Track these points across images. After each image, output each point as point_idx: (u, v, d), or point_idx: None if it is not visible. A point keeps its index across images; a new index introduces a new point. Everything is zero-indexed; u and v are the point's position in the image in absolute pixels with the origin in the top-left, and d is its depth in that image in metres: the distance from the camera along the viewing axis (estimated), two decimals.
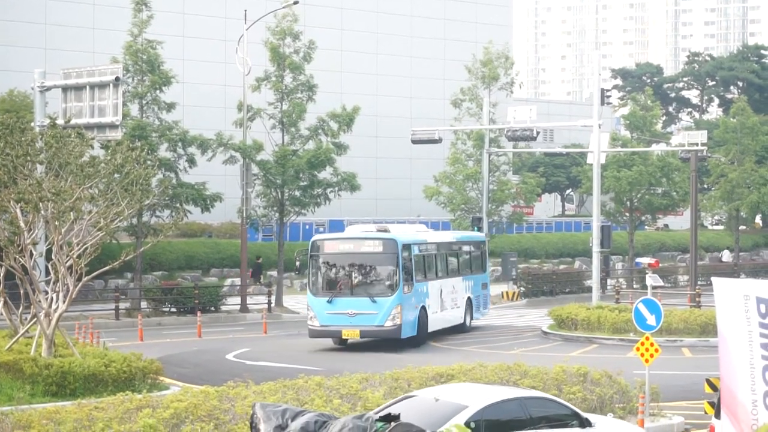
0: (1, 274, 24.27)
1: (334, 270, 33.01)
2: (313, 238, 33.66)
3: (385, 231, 33.95)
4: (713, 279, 13.71)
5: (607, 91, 44.71)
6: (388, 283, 32.42)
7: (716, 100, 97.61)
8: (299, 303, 49.55)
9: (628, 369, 24.32)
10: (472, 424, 14.40)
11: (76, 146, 24.44)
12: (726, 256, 70.66)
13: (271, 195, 46.53)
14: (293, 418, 13.08)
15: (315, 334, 32.75)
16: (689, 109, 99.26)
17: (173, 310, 43.13)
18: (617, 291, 43.56)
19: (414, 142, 47.68)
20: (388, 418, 12.41)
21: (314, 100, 46.75)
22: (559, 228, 75.92)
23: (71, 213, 23.51)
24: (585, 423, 15.85)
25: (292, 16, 46.16)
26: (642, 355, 20.55)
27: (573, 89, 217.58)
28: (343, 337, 32.55)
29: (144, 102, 44.28)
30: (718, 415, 14.21)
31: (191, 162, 44.78)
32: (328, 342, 33.99)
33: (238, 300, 45.57)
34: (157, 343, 34.10)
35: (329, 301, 32.25)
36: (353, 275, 32.82)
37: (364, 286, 32.70)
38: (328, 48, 60.24)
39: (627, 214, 59.90)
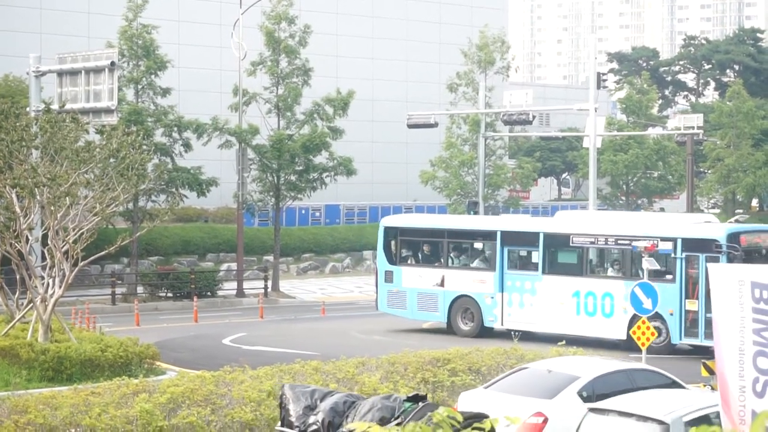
0: None
1: None
2: (731, 230, 27.37)
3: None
4: (708, 265, 13.72)
5: (603, 74, 44.61)
6: None
7: (712, 84, 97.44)
8: (295, 288, 49.58)
9: (625, 352, 24.38)
10: (584, 393, 15.23)
11: (72, 131, 24.42)
12: None
13: (267, 179, 46.49)
14: (322, 399, 13.28)
15: None
16: (685, 93, 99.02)
17: (169, 295, 43.11)
18: None
19: (410, 126, 47.73)
20: (416, 398, 12.60)
21: (310, 84, 46.67)
22: (556, 212, 75.76)
23: (67, 198, 23.50)
24: None
25: (288, 0, 46.07)
26: (638, 338, 20.61)
27: (569, 73, 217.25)
28: None
29: (139, 87, 44.21)
30: None
31: (187, 146, 44.72)
32: (325, 326, 33.84)
33: (234, 285, 45.57)
34: (153, 328, 34.13)
35: None
36: None
37: None
38: (323, 32, 60.06)
39: (623, 197, 59.93)
